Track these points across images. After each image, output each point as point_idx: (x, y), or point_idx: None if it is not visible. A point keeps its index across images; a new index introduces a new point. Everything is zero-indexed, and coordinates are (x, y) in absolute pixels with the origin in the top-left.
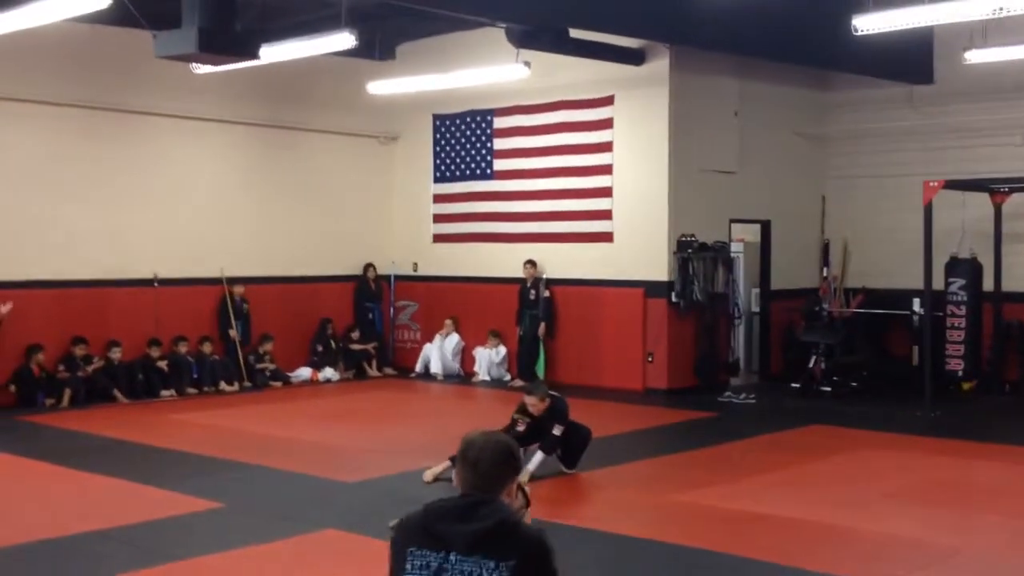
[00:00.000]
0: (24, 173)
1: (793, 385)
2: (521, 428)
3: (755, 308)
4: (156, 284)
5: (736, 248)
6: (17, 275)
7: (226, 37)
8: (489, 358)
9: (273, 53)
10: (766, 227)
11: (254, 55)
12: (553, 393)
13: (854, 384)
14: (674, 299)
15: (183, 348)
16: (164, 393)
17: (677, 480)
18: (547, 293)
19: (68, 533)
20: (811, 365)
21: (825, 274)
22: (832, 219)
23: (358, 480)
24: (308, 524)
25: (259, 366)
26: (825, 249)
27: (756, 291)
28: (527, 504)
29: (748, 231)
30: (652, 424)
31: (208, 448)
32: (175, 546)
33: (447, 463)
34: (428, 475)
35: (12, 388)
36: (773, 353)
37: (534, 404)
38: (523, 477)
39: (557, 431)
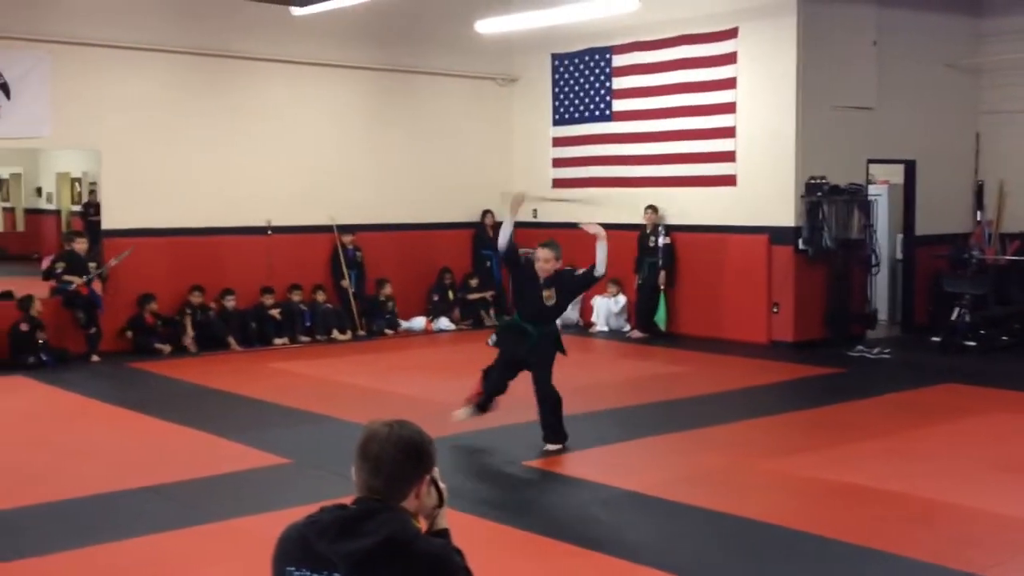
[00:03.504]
0: (138, 121)
1: (934, 339)
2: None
3: (899, 255)
4: (270, 232)
5: (877, 191)
6: (132, 223)
7: None
8: (607, 308)
9: None
10: (911, 168)
11: None
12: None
13: (1004, 339)
14: (801, 246)
15: (296, 297)
16: (277, 341)
17: (774, 444)
18: (667, 240)
19: (119, 488)
20: (954, 318)
21: (979, 218)
22: (987, 159)
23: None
24: None
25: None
26: (979, 191)
27: (900, 237)
28: (440, 503)
29: (890, 172)
30: (769, 380)
31: (297, 400)
32: (218, 504)
33: (467, 406)
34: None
35: (128, 335)
36: (917, 304)
37: (547, 259)
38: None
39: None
